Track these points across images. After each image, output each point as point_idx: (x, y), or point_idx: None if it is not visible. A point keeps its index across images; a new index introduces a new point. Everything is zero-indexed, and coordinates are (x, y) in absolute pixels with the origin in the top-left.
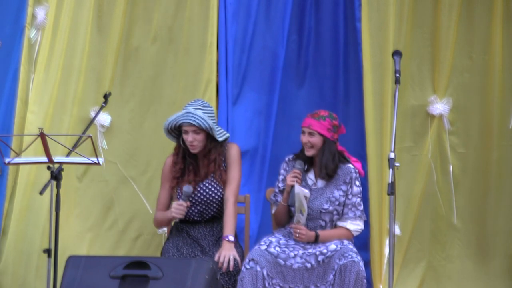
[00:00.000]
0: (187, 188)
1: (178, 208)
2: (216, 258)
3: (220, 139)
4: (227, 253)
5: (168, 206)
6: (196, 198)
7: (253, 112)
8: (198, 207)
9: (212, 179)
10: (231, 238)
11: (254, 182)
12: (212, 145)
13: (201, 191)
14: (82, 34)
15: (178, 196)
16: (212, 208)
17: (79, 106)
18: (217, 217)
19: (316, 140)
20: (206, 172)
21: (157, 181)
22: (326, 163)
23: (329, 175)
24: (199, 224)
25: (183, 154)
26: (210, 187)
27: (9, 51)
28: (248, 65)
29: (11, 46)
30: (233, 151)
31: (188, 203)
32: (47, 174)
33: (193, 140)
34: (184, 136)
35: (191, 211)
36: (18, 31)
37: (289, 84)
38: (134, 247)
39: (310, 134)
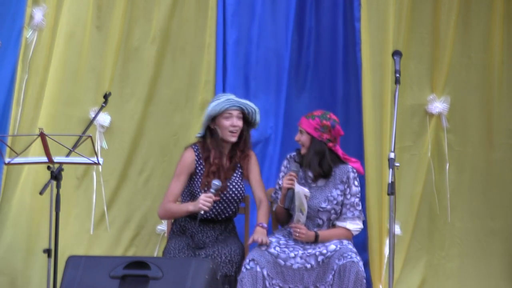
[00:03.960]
0: (217, 182)
1: (207, 200)
2: (250, 241)
3: (255, 127)
4: (260, 236)
5: (178, 198)
6: (226, 195)
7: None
8: (220, 205)
9: (238, 175)
10: (265, 225)
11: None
12: (245, 134)
13: (232, 188)
14: (81, 35)
15: (195, 192)
16: (232, 207)
17: (78, 107)
18: (227, 218)
19: (305, 138)
20: (231, 164)
21: (155, 180)
22: (310, 162)
23: (314, 175)
24: (204, 225)
25: (216, 151)
26: (238, 184)
27: (7, 51)
28: (252, 65)
29: (9, 46)
30: (254, 156)
31: (217, 197)
32: (47, 174)
33: (237, 126)
34: (226, 123)
35: (209, 212)
36: (16, 32)
37: (290, 84)
38: (132, 246)
39: (301, 132)
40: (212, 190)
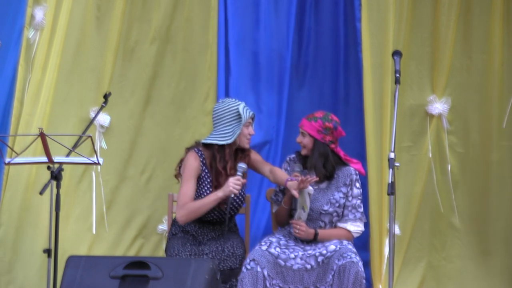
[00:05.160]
0: (243, 165)
1: (236, 183)
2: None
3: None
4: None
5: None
6: (231, 202)
7: (258, 112)
8: (219, 211)
9: None
10: (293, 178)
11: (256, 182)
12: None
13: (238, 196)
14: (80, 34)
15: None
16: (231, 211)
17: (78, 106)
18: (228, 220)
19: (307, 140)
20: (234, 171)
21: (156, 180)
22: (315, 164)
23: (318, 177)
24: (204, 226)
25: (224, 160)
26: (241, 191)
27: (7, 51)
28: (254, 66)
29: (10, 46)
30: (255, 152)
31: (245, 180)
32: (47, 174)
33: (252, 133)
34: (246, 130)
35: (210, 214)
36: (17, 32)
37: (291, 85)
38: (133, 246)
39: (303, 134)
40: (239, 173)
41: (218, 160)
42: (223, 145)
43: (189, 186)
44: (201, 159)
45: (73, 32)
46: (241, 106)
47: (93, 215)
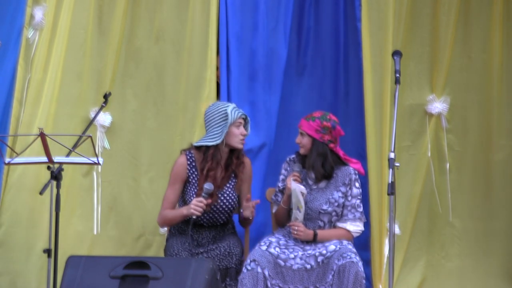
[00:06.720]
0: (208, 186)
1: (198, 205)
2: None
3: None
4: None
5: (175, 206)
6: (216, 206)
7: (255, 112)
8: (211, 215)
9: (230, 186)
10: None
11: (255, 182)
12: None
13: (223, 200)
14: (82, 34)
15: (187, 200)
16: (222, 217)
17: (81, 107)
18: (223, 224)
19: (306, 140)
20: (226, 173)
21: (159, 181)
22: (313, 164)
23: (316, 177)
24: (203, 229)
25: (214, 162)
26: (230, 195)
27: (7, 51)
28: (255, 65)
29: (9, 46)
30: (250, 166)
31: (209, 200)
32: (48, 174)
33: (245, 133)
34: (237, 131)
35: (202, 217)
36: (16, 31)
37: (289, 84)
38: (136, 247)
39: (302, 134)
40: (203, 194)
41: (200, 162)
42: (209, 147)
43: (172, 191)
44: (189, 162)
45: (75, 32)
46: (230, 108)
47: (95, 216)
